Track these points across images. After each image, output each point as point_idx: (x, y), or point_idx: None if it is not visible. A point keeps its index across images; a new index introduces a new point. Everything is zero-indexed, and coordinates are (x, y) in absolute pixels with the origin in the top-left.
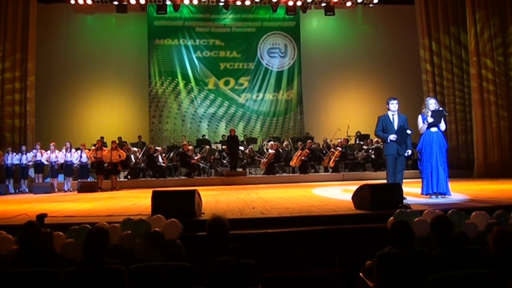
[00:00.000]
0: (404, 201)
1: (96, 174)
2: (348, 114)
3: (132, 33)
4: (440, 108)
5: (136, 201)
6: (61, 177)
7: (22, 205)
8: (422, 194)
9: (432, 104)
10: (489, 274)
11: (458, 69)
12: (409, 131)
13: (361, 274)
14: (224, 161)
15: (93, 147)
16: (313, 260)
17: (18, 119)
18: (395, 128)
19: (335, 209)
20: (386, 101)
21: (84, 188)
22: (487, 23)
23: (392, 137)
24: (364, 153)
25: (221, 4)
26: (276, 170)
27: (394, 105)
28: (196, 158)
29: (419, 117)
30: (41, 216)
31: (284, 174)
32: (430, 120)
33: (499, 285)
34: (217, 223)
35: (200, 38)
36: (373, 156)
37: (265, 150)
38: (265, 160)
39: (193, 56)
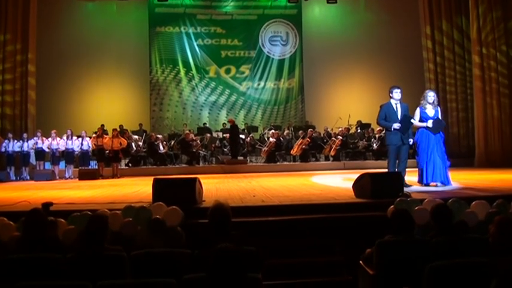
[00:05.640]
0: (405, 189)
1: (97, 162)
2: (349, 103)
3: (133, 21)
4: (442, 121)
5: (137, 188)
6: (62, 164)
7: (23, 192)
8: (418, 182)
9: (431, 96)
10: (489, 262)
11: (461, 58)
12: (413, 120)
13: (361, 262)
14: (225, 149)
15: (94, 135)
16: (313, 248)
17: (19, 106)
18: (399, 117)
19: (335, 198)
20: (389, 90)
21: (85, 176)
22: (489, 15)
23: (397, 125)
24: (365, 142)
25: None
26: (277, 159)
27: (397, 93)
28: (196, 143)
29: (418, 109)
30: (47, 205)
31: (285, 163)
32: (430, 125)
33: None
34: (219, 209)
35: (201, 25)
36: (375, 146)
37: (266, 139)
38: (266, 148)
39: (195, 44)
